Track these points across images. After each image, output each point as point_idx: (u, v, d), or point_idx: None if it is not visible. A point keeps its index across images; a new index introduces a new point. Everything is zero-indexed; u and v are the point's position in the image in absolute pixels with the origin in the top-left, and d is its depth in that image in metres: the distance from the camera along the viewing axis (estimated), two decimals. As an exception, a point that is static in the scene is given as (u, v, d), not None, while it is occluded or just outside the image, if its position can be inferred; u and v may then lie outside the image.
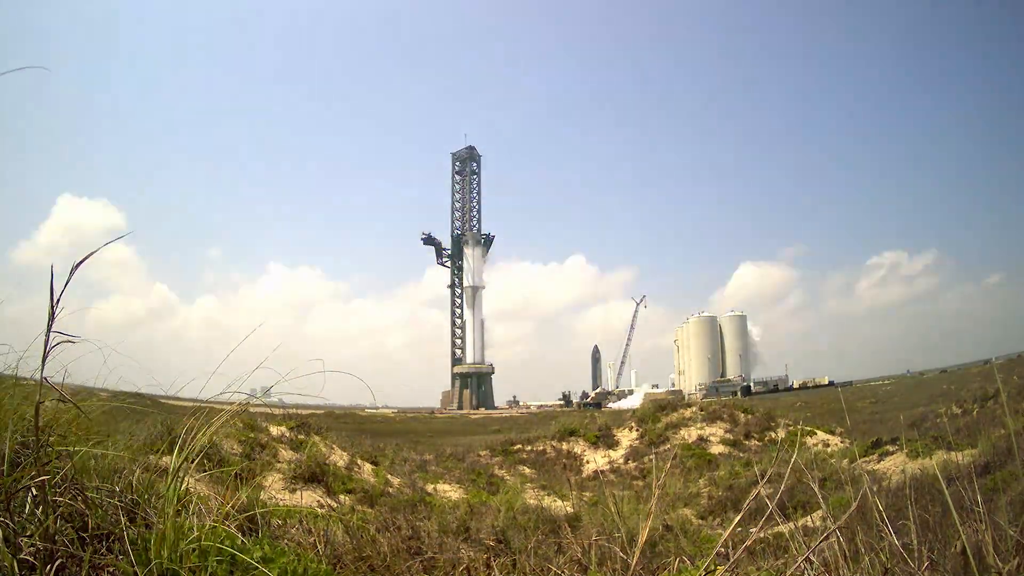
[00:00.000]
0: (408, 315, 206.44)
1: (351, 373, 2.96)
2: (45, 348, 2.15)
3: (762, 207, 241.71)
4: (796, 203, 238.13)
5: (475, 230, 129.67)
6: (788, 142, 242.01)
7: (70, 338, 2.18)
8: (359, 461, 12.85)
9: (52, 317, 2.14)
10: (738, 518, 2.36)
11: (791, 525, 3.20)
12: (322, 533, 3.35)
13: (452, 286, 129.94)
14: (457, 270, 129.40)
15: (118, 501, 2.41)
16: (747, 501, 2.45)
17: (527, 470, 19.72)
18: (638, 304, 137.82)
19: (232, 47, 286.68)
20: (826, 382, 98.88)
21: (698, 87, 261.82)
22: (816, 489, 2.92)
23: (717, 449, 21.09)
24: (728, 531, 2.39)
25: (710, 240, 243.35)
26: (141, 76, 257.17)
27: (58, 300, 2.13)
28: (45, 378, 2.21)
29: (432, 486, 13.31)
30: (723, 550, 2.70)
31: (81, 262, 2.19)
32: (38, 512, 2.16)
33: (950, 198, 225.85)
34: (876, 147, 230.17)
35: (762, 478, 2.73)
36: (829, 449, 18.43)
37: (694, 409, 25.43)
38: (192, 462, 2.62)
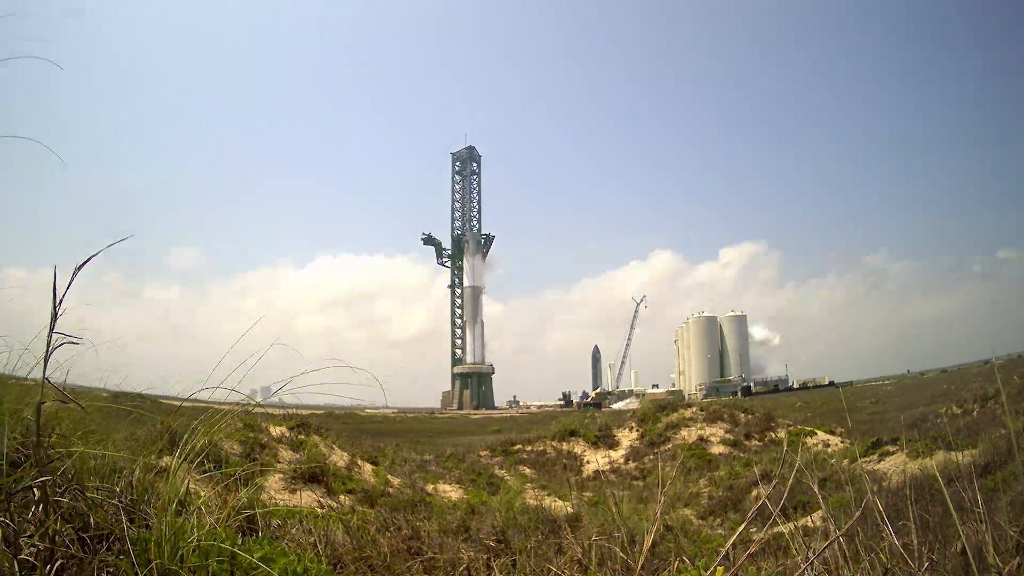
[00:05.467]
0: (408, 315, 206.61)
1: (365, 369, 2.94)
2: (47, 349, 2.15)
3: (764, 206, 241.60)
4: (797, 202, 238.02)
5: (475, 230, 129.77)
6: (790, 140, 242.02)
7: (72, 339, 2.19)
8: (359, 461, 12.86)
9: (55, 318, 2.14)
10: (744, 525, 2.36)
11: (791, 526, 3.20)
12: (322, 533, 3.35)
13: (452, 286, 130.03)
14: (457, 270, 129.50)
15: (118, 501, 2.41)
16: (753, 508, 2.45)
17: (527, 470, 19.73)
18: (638, 304, 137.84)
19: (231, 47, 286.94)
20: (826, 382, 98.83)
21: (698, 84, 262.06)
22: (816, 490, 2.93)
23: (717, 449, 21.10)
24: (734, 536, 2.39)
25: (709, 237, 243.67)
26: (132, 71, 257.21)
27: (60, 301, 2.13)
28: (47, 378, 2.21)
29: (432, 486, 13.31)
30: (724, 551, 2.70)
31: (84, 264, 2.20)
32: (39, 512, 2.16)
33: (950, 198, 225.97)
34: (873, 146, 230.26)
35: (763, 479, 2.74)
36: (829, 449, 18.44)
37: (694, 409, 25.44)
38: (192, 462, 2.62)
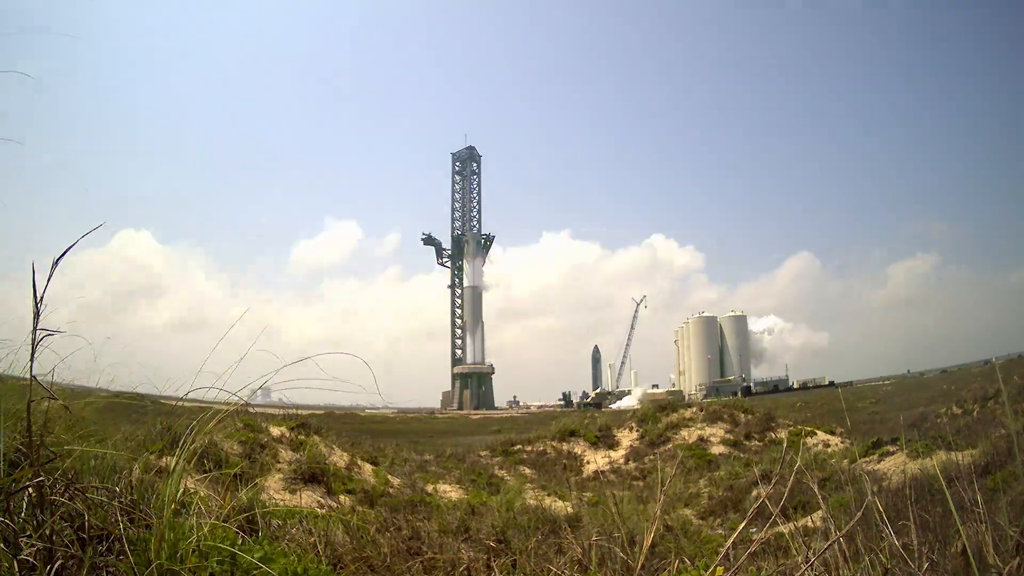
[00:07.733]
0: (407, 315, 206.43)
1: (358, 356, 2.89)
2: (33, 345, 2.13)
3: (765, 208, 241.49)
4: (797, 202, 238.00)
5: (475, 230, 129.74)
6: (789, 139, 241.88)
7: (52, 332, 2.17)
8: (359, 461, 12.85)
9: (37, 314, 2.12)
10: (744, 524, 2.36)
11: (791, 526, 3.20)
12: (322, 533, 3.35)
13: (452, 286, 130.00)
14: (457, 270, 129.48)
15: (117, 501, 2.40)
16: (752, 508, 2.45)
17: (527, 470, 19.70)
18: (638, 304, 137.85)
19: (230, 47, 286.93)
20: (826, 382, 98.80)
21: (698, 83, 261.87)
22: (816, 490, 2.92)
23: (717, 449, 21.08)
24: (734, 535, 2.39)
25: (708, 238, 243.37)
26: (131, 70, 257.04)
27: (42, 296, 2.11)
28: (35, 376, 2.19)
29: (432, 486, 13.30)
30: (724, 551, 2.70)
31: (61, 256, 2.17)
32: (37, 512, 2.15)
33: (949, 197, 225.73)
34: (875, 146, 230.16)
35: (763, 479, 2.73)
36: (829, 449, 18.42)
37: (694, 409, 25.43)
38: (191, 462, 2.61)
